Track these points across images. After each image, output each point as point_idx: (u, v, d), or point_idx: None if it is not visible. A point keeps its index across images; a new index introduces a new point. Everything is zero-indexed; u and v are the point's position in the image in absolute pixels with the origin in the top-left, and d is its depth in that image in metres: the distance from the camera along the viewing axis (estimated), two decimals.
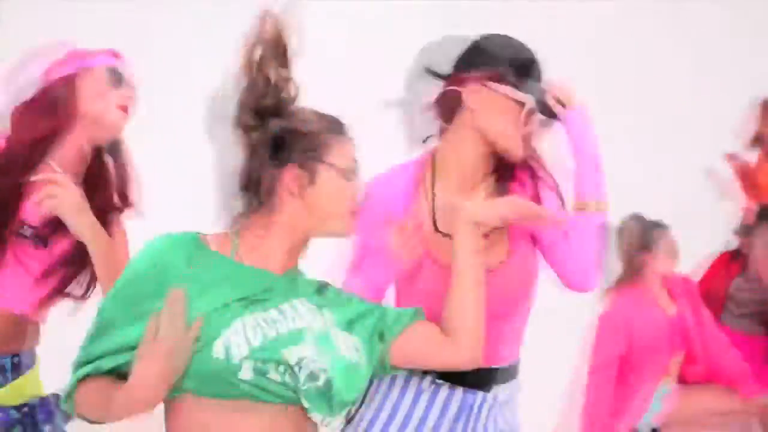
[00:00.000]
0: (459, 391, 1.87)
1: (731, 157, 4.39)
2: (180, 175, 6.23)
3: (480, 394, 1.88)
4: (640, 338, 3.19)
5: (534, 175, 1.87)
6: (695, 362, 3.33)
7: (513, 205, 1.73)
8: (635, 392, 3.17)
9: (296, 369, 1.44)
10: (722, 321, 4.00)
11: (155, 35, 6.86)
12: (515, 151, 1.83)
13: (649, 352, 3.18)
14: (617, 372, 3.18)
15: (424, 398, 1.86)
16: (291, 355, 1.44)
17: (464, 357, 1.66)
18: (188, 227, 1.60)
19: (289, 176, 1.53)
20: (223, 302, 1.46)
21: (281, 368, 1.43)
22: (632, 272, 3.37)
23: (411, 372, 1.83)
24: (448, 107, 1.85)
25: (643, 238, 3.35)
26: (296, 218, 1.55)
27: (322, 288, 1.62)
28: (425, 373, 1.84)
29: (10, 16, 6.81)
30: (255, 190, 1.54)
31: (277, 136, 1.53)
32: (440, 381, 1.85)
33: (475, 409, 1.89)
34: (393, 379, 1.86)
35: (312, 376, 1.45)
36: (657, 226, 3.40)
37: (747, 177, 4.33)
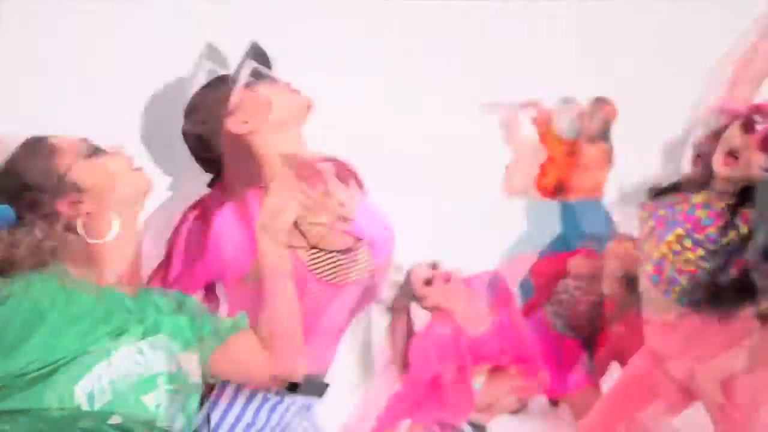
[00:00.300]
0: (297, 398, 1.89)
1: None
2: None
3: (313, 398, 1.93)
4: (447, 359, 3.18)
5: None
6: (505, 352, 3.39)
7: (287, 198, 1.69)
8: (452, 394, 3.21)
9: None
10: (545, 309, 4.09)
11: (155, 35, 6.88)
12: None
13: (459, 369, 3.20)
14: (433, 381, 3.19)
15: (267, 406, 1.86)
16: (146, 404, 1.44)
17: (282, 369, 1.66)
18: None
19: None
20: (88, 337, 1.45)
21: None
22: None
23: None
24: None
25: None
26: None
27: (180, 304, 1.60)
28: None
29: (10, 16, 6.83)
30: None
31: None
32: (282, 390, 1.85)
33: (308, 412, 1.94)
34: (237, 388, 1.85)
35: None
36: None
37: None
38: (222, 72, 1.80)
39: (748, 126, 2.28)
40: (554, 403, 4.32)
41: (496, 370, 3.44)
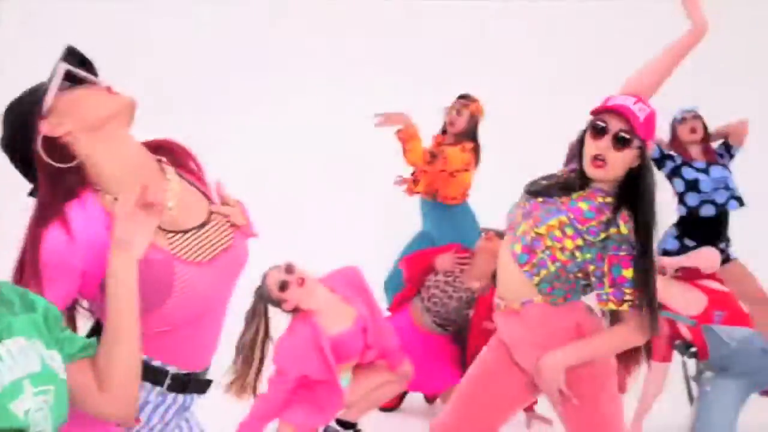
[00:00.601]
0: (179, 397, 1.86)
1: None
2: None
3: (195, 396, 1.91)
4: (309, 359, 3.18)
5: None
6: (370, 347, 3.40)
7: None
8: (320, 394, 3.25)
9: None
10: (414, 304, 4.06)
11: (155, 35, 6.89)
12: None
13: (323, 368, 3.18)
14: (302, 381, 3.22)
15: (148, 409, 1.83)
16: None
17: (112, 411, 1.55)
18: None
19: None
20: None
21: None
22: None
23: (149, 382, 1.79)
24: None
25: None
26: None
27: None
28: (156, 383, 1.80)
29: (10, 16, 6.84)
30: None
31: None
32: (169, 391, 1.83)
33: (190, 410, 1.93)
34: None
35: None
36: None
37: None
38: (83, 74, 1.78)
39: (594, 131, 2.35)
40: (429, 400, 4.24)
41: (363, 367, 3.43)
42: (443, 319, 3.98)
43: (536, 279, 2.39)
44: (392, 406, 4.09)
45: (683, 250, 4.15)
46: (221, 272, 1.81)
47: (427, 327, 4.01)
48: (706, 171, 4.17)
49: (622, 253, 2.33)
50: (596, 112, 2.38)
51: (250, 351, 3.15)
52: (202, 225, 1.80)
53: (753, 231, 5.09)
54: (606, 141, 2.33)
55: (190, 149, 1.92)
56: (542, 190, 2.45)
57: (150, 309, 1.69)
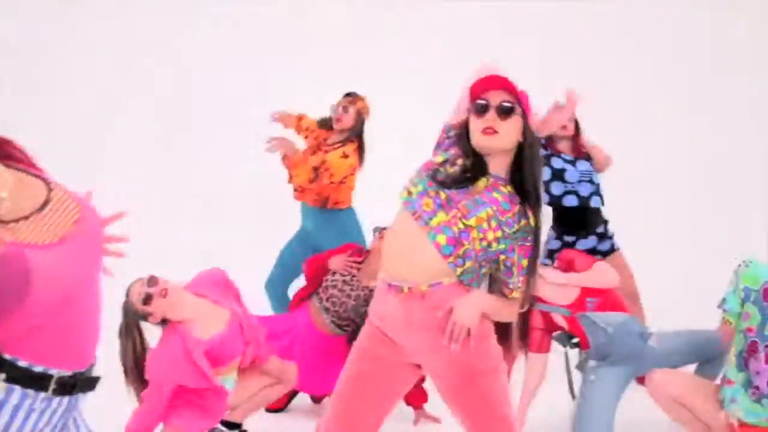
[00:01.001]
0: (65, 399, 1.86)
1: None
2: None
3: (82, 395, 1.92)
4: (182, 369, 3.17)
5: None
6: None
7: None
8: (202, 400, 3.26)
9: None
10: (312, 302, 4.12)
11: (155, 36, 6.89)
12: None
13: (198, 375, 3.19)
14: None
15: (34, 416, 1.82)
16: None
17: None
18: None
19: None
20: None
21: None
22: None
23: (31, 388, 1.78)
24: None
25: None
26: None
27: None
28: (41, 389, 1.79)
29: (10, 16, 6.84)
30: None
31: None
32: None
33: (74, 411, 1.93)
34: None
35: None
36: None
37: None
38: None
39: (478, 111, 2.44)
40: (316, 400, 4.27)
41: (249, 369, 3.49)
42: (341, 318, 4.05)
43: (459, 270, 2.45)
44: (280, 406, 4.13)
45: (564, 245, 4.38)
46: (77, 247, 1.80)
47: (324, 327, 4.08)
48: (573, 163, 4.37)
49: (527, 244, 2.48)
50: (474, 94, 2.47)
51: (135, 368, 3.16)
52: (43, 206, 1.79)
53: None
54: (491, 114, 2.44)
55: (4, 136, 1.87)
56: (451, 181, 2.49)
57: (14, 305, 1.68)
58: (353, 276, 4.06)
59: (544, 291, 3.81)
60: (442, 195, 2.48)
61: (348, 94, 4.65)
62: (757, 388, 3.19)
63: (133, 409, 3.16)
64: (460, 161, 2.52)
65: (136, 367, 3.16)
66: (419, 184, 2.52)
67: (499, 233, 2.44)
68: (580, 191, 4.38)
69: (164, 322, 3.24)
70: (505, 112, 2.43)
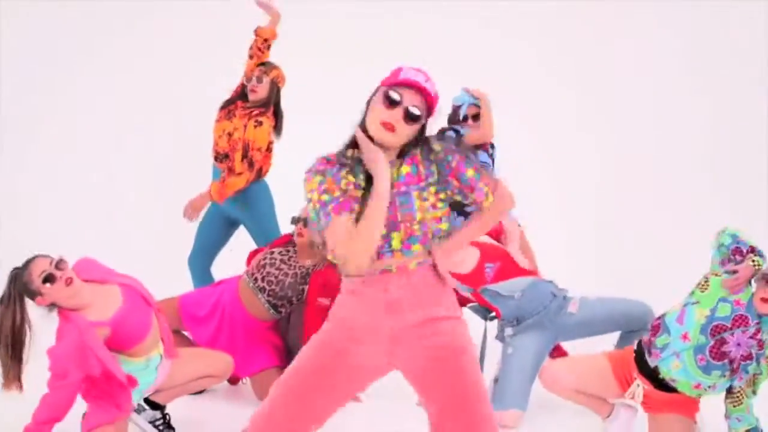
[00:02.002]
0: None
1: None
2: None
3: None
4: (83, 358, 3.10)
5: None
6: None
7: None
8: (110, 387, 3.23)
9: None
10: (242, 281, 4.16)
11: (154, 35, 6.90)
12: None
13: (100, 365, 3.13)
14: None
15: None
16: None
17: None
18: None
19: None
20: None
21: None
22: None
23: None
24: None
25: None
26: None
27: None
28: None
29: (10, 16, 6.84)
30: None
31: None
32: None
33: None
34: None
35: None
36: None
37: None
38: None
39: (389, 102, 2.42)
40: (232, 381, 4.27)
41: (187, 354, 3.51)
42: (278, 297, 4.03)
43: (438, 241, 2.51)
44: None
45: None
46: None
47: (255, 310, 4.07)
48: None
49: (456, 162, 2.50)
50: (391, 84, 2.44)
51: (10, 340, 3.06)
52: None
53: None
54: (398, 113, 2.42)
55: None
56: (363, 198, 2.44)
57: None
58: (291, 256, 4.05)
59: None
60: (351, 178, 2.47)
61: (262, 64, 4.62)
62: (710, 356, 3.29)
63: (41, 397, 3.09)
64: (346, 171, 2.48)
65: (11, 340, 3.05)
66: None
67: (441, 195, 2.50)
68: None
69: (52, 306, 3.15)
70: (411, 118, 2.43)
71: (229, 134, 4.54)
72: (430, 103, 2.46)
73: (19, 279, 3.10)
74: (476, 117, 4.49)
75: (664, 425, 3.46)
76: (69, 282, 3.09)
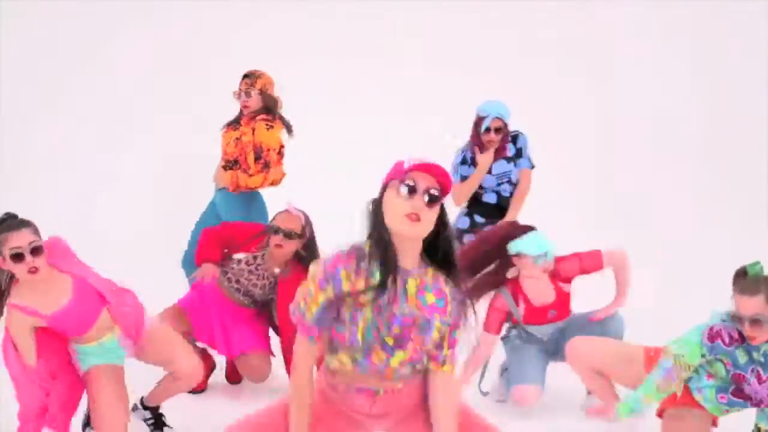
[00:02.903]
0: None
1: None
2: None
3: None
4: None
5: None
6: None
7: None
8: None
9: None
10: (221, 282, 4.10)
11: (155, 35, 6.91)
12: None
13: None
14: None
15: None
16: None
17: None
18: None
19: None
20: None
21: None
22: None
23: None
24: None
25: None
26: None
27: None
28: None
29: (10, 16, 6.85)
30: None
31: None
32: None
33: None
34: None
35: None
36: None
37: None
38: None
39: (407, 190, 2.31)
40: (232, 379, 4.30)
41: (160, 335, 3.42)
42: (253, 298, 4.10)
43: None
44: (201, 388, 4.10)
45: (473, 226, 4.58)
46: None
47: (236, 301, 4.10)
48: (488, 170, 4.55)
49: (452, 319, 2.42)
50: (400, 175, 2.31)
51: None
52: None
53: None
54: (419, 200, 2.28)
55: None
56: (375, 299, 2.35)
57: None
58: (258, 265, 4.05)
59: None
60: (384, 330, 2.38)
61: (246, 75, 4.61)
62: (732, 395, 3.21)
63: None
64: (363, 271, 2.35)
65: None
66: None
67: (445, 329, 2.42)
68: (501, 192, 4.62)
69: (3, 289, 3.08)
70: (432, 200, 2.29)
71: (237, 139, 4.57)
72: (442, 183, 2.32)
73: None
74: (498, 130, 4.49)
75: (686, 416, 3.29)
76: (33, 271, 3.00)
